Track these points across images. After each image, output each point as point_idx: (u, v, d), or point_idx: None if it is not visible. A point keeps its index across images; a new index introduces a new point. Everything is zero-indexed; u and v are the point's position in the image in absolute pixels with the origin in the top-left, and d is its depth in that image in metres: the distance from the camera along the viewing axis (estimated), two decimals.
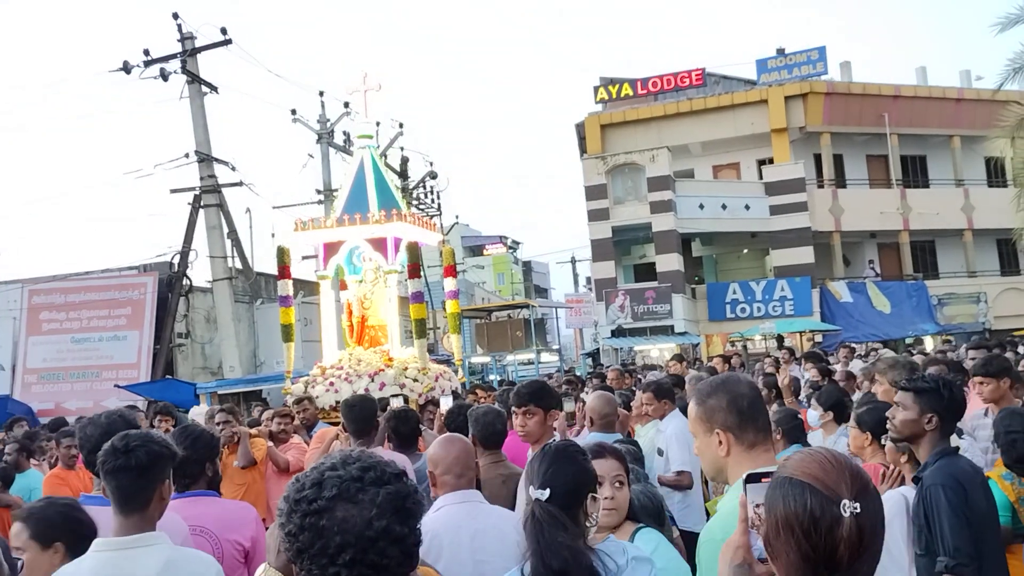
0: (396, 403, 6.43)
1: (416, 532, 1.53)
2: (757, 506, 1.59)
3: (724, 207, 30.05)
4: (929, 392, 3.40)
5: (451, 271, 11.11)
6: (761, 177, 31.29)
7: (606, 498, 2.78)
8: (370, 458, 1.55)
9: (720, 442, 2.36)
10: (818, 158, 32.35)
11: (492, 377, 23.67)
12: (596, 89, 33.04)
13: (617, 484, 2.90)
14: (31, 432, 9.32)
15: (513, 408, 4.37)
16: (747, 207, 30.18)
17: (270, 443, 7.06)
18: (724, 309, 30.13)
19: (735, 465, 2.34)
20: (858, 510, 1.49)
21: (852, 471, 1.56)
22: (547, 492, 2.25)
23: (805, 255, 29.88)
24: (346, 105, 25.61)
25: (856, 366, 10.92)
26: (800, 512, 1.51)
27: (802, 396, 8.15)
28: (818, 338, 26.08)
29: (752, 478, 1.62)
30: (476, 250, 53.78)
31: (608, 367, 13.40)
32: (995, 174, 31.64)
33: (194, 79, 20.51)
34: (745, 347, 26.10)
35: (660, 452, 6.11)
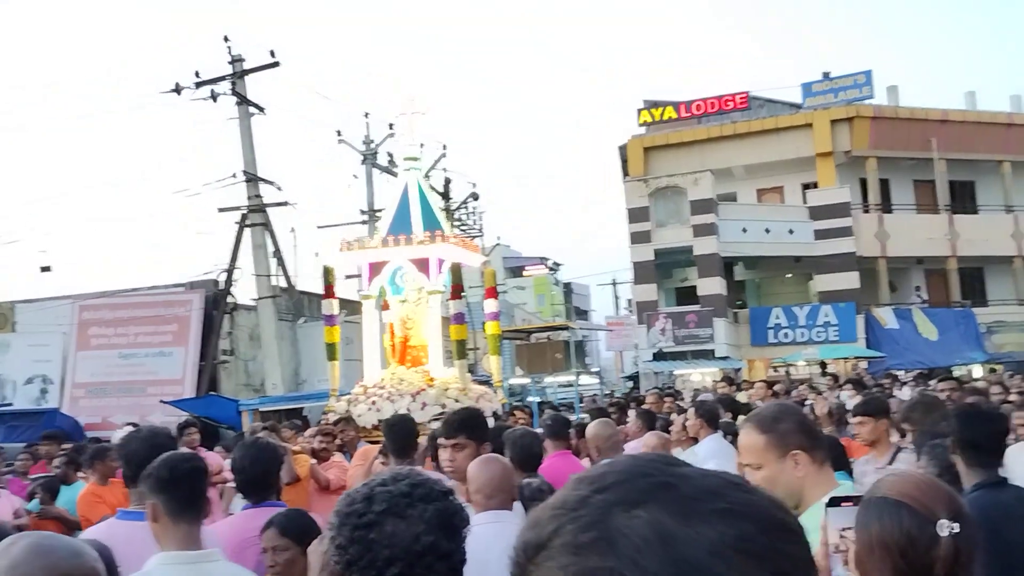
0: (437, 423, 6.48)
1: (462, 549, 1.55)
2: (843, 530, 1.58)
3: (768, 231, 29.84)
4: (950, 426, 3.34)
5: (492, 292, 11.15)
6: (805, 201, 31.05)
7: None
8: (419, 475, 1.59)
9: (796, 463, 2.38)
10: (864, 183, 32.03)
11: (532, 399, 23.65)
12: (639, 112, 33.08)
13: None
14: (79, 446, 9.50)
15: (440, 440, 3.79)
16: (791, 231, 29.94)
17: (313, 460, 7.12)
18: (767, 334, 29.86)
19: (812, 486, 2.36)
20: (957, 530, 1.49)
21: (948, 492, 1.58)
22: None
23: (850, 280, 29.54)
24: (391, 126, 25.92)
25: (905, 394, 10.76)
26: (896, 531, 1.51)
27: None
28: (863, 365, 25.69)
29: (834, 502, 1.62)
30: (517, 271, 53.82)
31: (648, 391, 13.36)
32: None
33: (242, 100, 20.91)
34: (788, 373, 25.80)
35: None
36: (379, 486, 1.54)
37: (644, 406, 9.70)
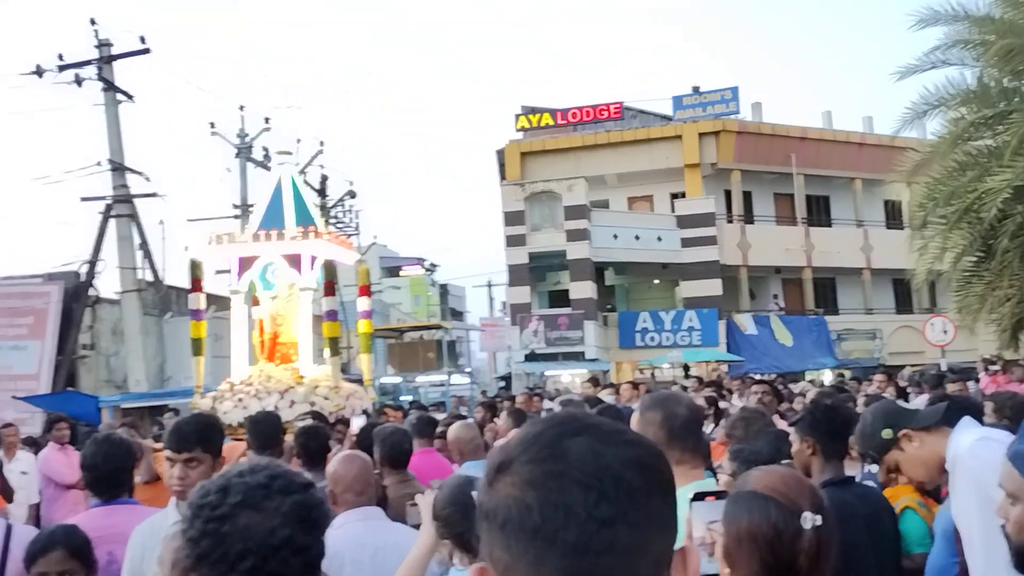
0: (304, 421, 6.52)
1: (320, 544, 1.50)
2: (711, 523, 1.60)
3: (637, 238, 30.71)
4: (801, 420, 3.45)
5: (365, 291, 11.16)
6: (674, 210, 32.10)
7: None
8: (278, 467, 1.55)
9: None
10: (728, 194, 33.34)
11: (404, 398, 23.68)
12: (517, 117, 33.54)
13: None
14: None
15: (170, 454, 3.21)
16: (659, 239, 30.92)
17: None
18: (634, 337, 30.72)
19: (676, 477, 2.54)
20: (819, 522, 1.57)
21: (811, 486, 1.66)
22: None
23: (713, 287, 30.73)
24: (266, 120, 25.52)
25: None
26: (765, 524, 1.58)
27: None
28: (723, 368, 26.81)
29: (698, 496, 1.66)
30: (393, 271, 53.53)
31: (519, 391, 13.64)
32: (893, 216, 33.10)
33: (109, 86, 20.16)
34: (653, 375, 26.66)
35: None
36: (236, 477, 1.48)
37: (515, 405, 9.94)
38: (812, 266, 33.29)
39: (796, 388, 13.84)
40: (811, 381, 19.17)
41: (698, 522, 1.61)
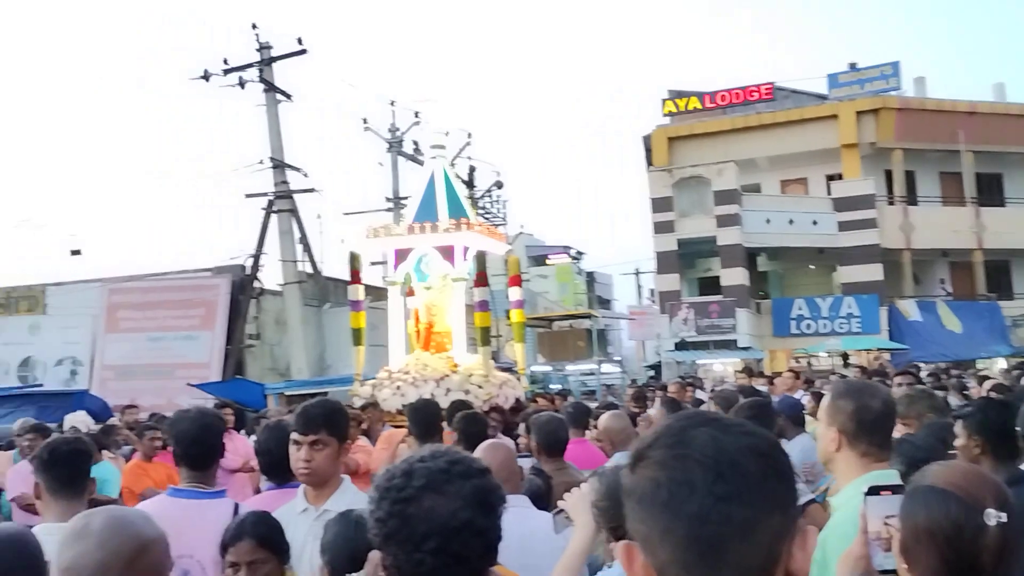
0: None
1: (498, 527, 1.57)
2: (888, 517, 1.58)
3: (791, 222, 29.75)
4: (970, 416, 3.32)
5: (516, 280, 11.27)
6: (830, 193, 30.90)
7: None
8: (457, 453, 1.62)
9: (833, 439, 2.52)
10: (889, 174, 31.80)
11: (553, 386, 23.80)
12: (664, 102, 33.02)
13: None
14: (107, 426, 9.74)
15: (296, 436, 3.21)
16: (815, 223, 29.84)
17: None
18: (789, 325, 29.82)
19: (845, 467, 2.49)
20: (1004, 519, 1.51)
21: (995, 482, 1.58)
22: None
23: (874, 272, 29.41)
24: (416, 115, 26.11)
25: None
26: (943, 520, 1.52)
27: None
28: (886, 357, 25.65)
29: (873, 490, 1.63)
30: (539, 260, 53.78)
31: (671, 380, 13.44)
32: None
33: (270, 87, 21.10)
34: (809, 364, 25.80)
35: None
36: (418, 462, 1.56)
37: (668, 395, 9.80)
38: (983, 248, 31.33)
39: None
40: (980, 372, 18.06)
41: (873, 516, 1.60)
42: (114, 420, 11.20)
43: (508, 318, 12.08)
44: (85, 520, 1.82)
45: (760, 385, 11.69)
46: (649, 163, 32.37)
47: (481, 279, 9.91)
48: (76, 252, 24.44)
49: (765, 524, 1.01)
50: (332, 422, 3.21)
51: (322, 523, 2.83)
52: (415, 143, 26.62)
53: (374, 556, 1.58)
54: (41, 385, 19.95)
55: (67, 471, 3.04)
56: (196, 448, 3.30)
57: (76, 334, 22.11)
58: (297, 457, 3.15)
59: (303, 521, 3.06)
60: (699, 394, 12.39)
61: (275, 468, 3.72)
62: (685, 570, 1.01)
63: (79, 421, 9.83)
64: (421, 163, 21.88)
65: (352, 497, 3.13)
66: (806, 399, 8.74)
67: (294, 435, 3.19)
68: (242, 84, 20.96)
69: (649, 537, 1.04)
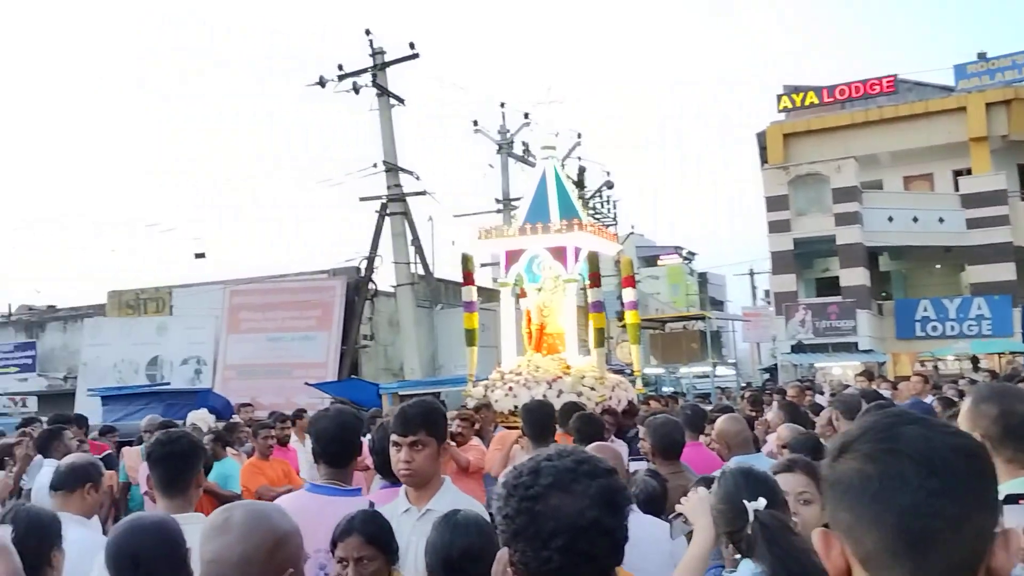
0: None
1: (624, 527, 1.57)
2: None
3: (915, 220, 28.56)
4: None
5: (630, 281, 11.13)
6: (957, 189, 29.53)
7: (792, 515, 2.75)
8: (584, 453, 1.62)
9: None
10: (1022, 169, 30.21)
11: (666, 389, 23.48)
12: (779, 97, 32.21)
13: (803, 502, 2.85)
14: (230, 424, 10.05)
15: (395, 437, 3.17)
16: (941, 220, 28.57)
17: (452, 443, 7.31)
18: (914, 327, 28.64)
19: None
20: None
21: None
22: (764, 501, 2.32)
23: (1006, 272, 27.95)
24: (526, 116, 26.16)
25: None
26: None
27: None
28: (1020, 360, 24.34)
29: (1010, 499, 1.56)
30: (650, 260, 53.31)
31: (790, 383, 13.04)
32: None
33: (383, 92, 21.48)
34: (936, 367, 24.71)
35: None
36: (545, 460, 1.57)
37: (787, 398, 9.50)
38: None
39: None
40: None
41: (1010, 526, 1.47)
42: (236, 418, 11.56)
43: (619, 320, 11.94)
44: (227, 514, 1.92)
45: (883, 389, 11.24)
46: (764, 161, 31.62)
47: (595, 280, 9.82)
48: (200, 255, 25.43)
49: (973, 521, 1.05)
50: (431, 422, 3.17)
51: (425, 523, 2.84)
52: (525, 144, 26.73)
53: (502, 555, 1.57)
54: (168, 383, 20.82)
55: (169, 469, 3.11)
56: (335, 446, 3.35)
57: (200, 334, 22.99)
58: (397, 458, 3.13)
59: (406, 521, 3.07)
60: (818, 398, 11.99)
61: (388, 467, 3.75)
62: (893, 559, 1.05)
63: (200, 419, 10.19)
64: (532, 164, 21.95)
65: (453, 497, 3.13)
66: (934, 404, 8.33)
67: (393, 436, 3.16)
68: (356, 90, 21.41)
69: (854, 526, 1.09)
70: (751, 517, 2.34)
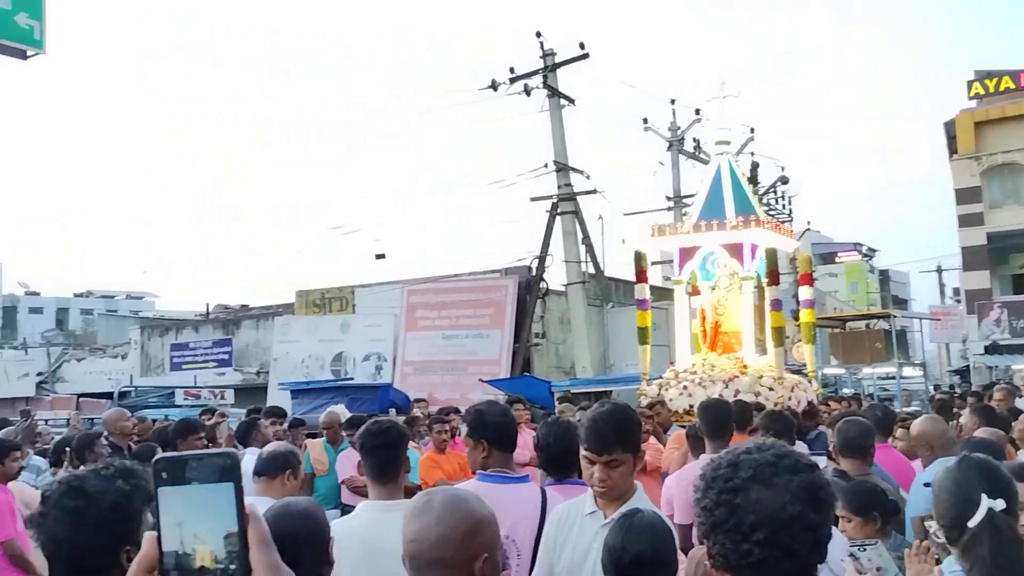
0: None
1: (828, 524, 1.55)
2: None
3: None
4: None
5: (807, 279, 10.82)
6: None
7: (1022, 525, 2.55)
8: (783, 447, 1.60)
9: None
10: None
11: (845, 390, 22.56)
12: (970, 83, 30.28)
13: None
14: (410, 418, 10.41)
15: (588, 454, 2.96)
16: None
17: None
18: None
19: None
20: None
21: None
22: (1002, 503, 2.21)
23: None
24: (697, 112, 25.75)
25: None
26: None
27: None
28: None
29: None
30: (827, 258, 51.33)
31: (998, 387, 12.24)
32: None
33: (554, 93, 21.68)
34: None
35: None
36: (744, 453, 1.56)
37: (991, 402, 8.96)
38: None
39: None
40: None
41: None
42: (416, 412, 11.97)
43: (795, 318, 11.62)
44: (427, 498, 2.02)
45: None
46: (952, 151, 29.84)
47: (773, 277, 9.61)
48: (380, 256, 26.39)
49: None
50: (626, 436, 2.95)
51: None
52: (696, 141, 26.33)
53: (695, 553, 1.59)
54: (352, 378, 21.78)
55: (381, 457, 3.28)
56: (503, 434, 3.49)
57: (380, 331, 23.96)
58: (591, 474, 2.95)
59: (589, 525, 3.00)
60: (1018, 402, 11.24)
61: (552, 464, 3.79)
62: None
63: (340, 413, 10.57)
64: (705, 161, 21.61)
65: (642, 507, 2.92)
66: None
67: (586, 453, 2.96)
68: (527, 91, 21.70)
69: None
70: (980, 514, 2.20)
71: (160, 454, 0.85)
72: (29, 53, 12.18)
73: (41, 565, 5.47)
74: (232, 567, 0.82)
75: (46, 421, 14.95)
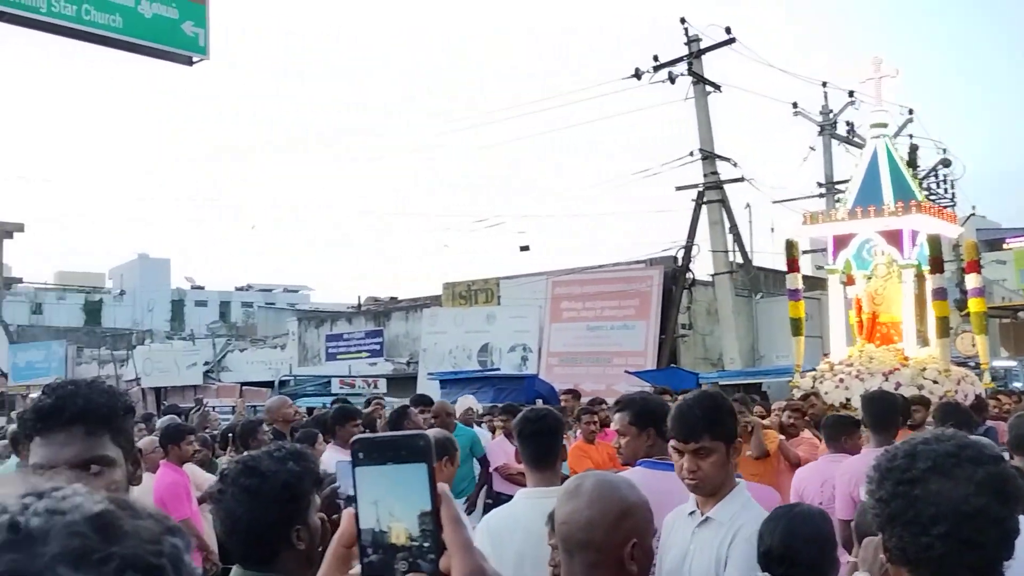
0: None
1: (1016, 519, 1.49)
2: None
3: None
4: None
5: (974, 267, 10.26)
6: None
7: None
8: (966, 437, 1.56)
9: None
10: None
11: (1016, 384, 21.28)
12: None
13: None
14: (560, 408, 10.49)
15: (675, 444, 2.78)
16: None
17: (781, 436, 7.14)
18: None
19: None
20: None
21: None
22: None
23: None
24: (850, 94, 24.75)
25: None
26: None
27: None
28: None
29: None
30: (994, 244, 48.33)
31: None
32: None
33: (699, 80, 21.31)
34: None
35: None
36: (921, 444, 1.52)
37: None
38: None
39: None
40: None
41: None
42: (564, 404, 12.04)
43: (959, 308, 11.06)
44: (579, 481, 2.07)
45: None
46: None
47: (936, 265, 9.18)
48: (525, 248, 26.61)
49: None
50: (716, 423, 2.74)
51: (704, 531, 2.73)
52: (849, 124, 25.33)
53: (869, 541, 1.55)
54: (498, 369, 22.12)
55: (539, 444, 3.34)
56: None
57: (525, 323, 24.18)
58: (679, 465, 2.77)
59: (687, 524, 2.86)
60: None
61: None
62: None
63: (471, 403, 10.69)
64: (860, 145, 20.75)
65: (742, 504, 2.81)
66: None
67: (673, 442, 2.80)
68: (672, 79, 21.40)
69: None
70: None
71: (357, 435, 0.90)
72: (195, 59, 12.94)
73: (211, 543, 5.85)
74: (426, 545, 0.85)
75: (213, 408, 15.83)
